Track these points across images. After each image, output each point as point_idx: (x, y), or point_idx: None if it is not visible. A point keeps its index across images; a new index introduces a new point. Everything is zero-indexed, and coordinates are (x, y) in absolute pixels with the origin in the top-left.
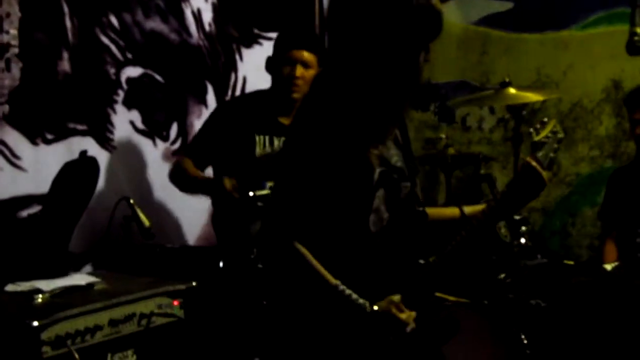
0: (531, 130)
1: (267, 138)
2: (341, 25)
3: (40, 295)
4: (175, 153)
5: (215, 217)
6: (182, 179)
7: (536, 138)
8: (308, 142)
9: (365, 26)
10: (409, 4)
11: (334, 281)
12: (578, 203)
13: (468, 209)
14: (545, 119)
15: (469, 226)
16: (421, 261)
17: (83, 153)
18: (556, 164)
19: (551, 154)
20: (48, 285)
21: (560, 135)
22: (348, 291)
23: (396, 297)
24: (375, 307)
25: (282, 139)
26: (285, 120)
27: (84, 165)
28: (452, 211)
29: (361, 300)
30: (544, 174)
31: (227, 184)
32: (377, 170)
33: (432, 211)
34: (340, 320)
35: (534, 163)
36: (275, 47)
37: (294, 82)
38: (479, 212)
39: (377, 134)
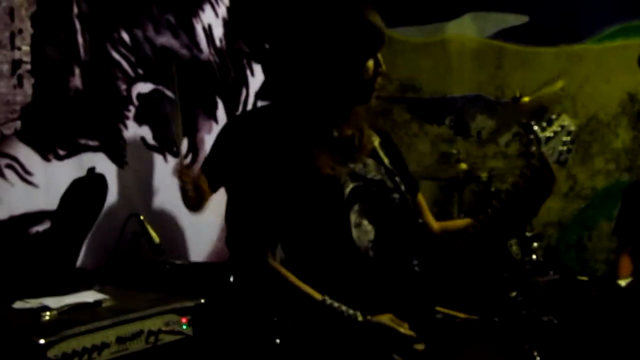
0: (535, 127)
1: None
2: (286, 35)
3: (48, 313)
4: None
5: (230, 237)
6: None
7: (542, 134)
8: (263, 154)
9: (309, 36)
10: (352, 19)
11: (319, 296)
12: (594, 217)
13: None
14: (553, 116)
15: (466, 235)
16: (417, 269)
17: (91, 170)
18: (567, 169)
19: (560, 147)
20: (56, 302)
21: (571, 127)
22: (336, 304)
23: (386, 316)
24: (368, 317)
25: None
26: None
27: (92, 182)
28: (465, 223)
29: (351, 311)
30: (549, 169)
31: None
32: (350, 186)
33: (444, 223)
34: (334, 333)
35: (533, 161)
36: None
37: None
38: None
39: (328, 142)
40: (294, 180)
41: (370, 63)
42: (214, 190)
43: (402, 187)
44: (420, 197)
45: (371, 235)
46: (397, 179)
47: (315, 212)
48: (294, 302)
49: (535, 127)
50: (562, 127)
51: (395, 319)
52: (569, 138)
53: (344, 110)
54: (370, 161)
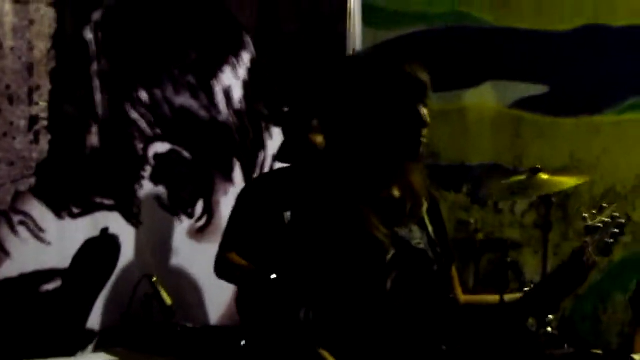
0: (585, 215)
1: None
2: (334, 92)
3: None
4: (200, 230)
5: (240, 298)
6: (232, 273)
7: (590, 222)
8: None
9: (356, 93)
10: (397, 72)
11: None
12: (610, 289)
13: (508, 297)
14: (605, 205)
15: (499, 312)
16: (444, 347)
17: (104, 230)
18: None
19: (607, 239)
20: None
21: (621, 220)
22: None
23: None
24: None
25: None
26: None
27: (105, 242)
28: (494, 299)
29: None
30: (593, 259)
31: None
32: (392, 252)
33: (472, 298)
34: None
35: (576, 248)
36: (295, 120)
37: None
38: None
39: (376, 202)
40: (336, 238)
41: (421, 109)
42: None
43: (442, 259)
44: (454, 269)
45: (399, 307)
46: (438, 249)
47: (354, 273)
48: None
49: (585, 215)
50: (612, 218)
51: None
52: (617, 230)
53: (393, 167)
54: (415, 227)
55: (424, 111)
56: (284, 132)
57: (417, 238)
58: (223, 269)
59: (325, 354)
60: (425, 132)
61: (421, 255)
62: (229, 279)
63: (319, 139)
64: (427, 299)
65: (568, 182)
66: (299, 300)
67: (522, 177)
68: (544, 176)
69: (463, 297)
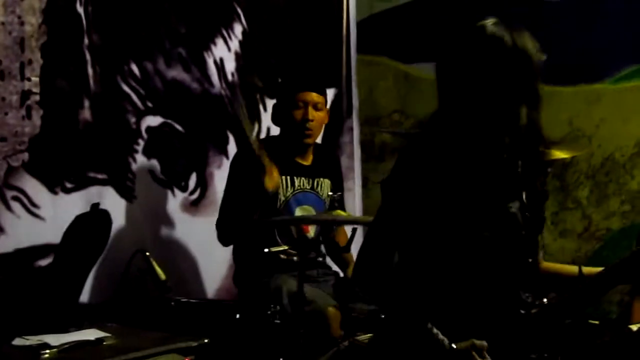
0: None
1: (288, 178)
2: (448, 67)
3: (48, 351)
4: (193, 203)
5: (237, 274)
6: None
7: None
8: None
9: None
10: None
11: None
12: (609, 258)
13: (586, 270)
14: None
15: (576, 288)
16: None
17: (95, 205)
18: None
19: None
20: (57, 339)
21: None
22: (435, 329)
23: (479, 342)
24: (454, 346)
25: (302, 178)
26: (302, 160)
27: (95, 218)
28: (572, 269)
29: (441, 336)
30: None
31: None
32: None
33: (551, 265)
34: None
35: None
36: (283, 91)
37: (307, 125)
38: (592, 275)
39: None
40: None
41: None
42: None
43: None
44: (541, 236)
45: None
46: (528, 214)
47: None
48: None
49: None
50: None
51: (485, 353)
52: None
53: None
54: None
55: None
56: (277, 100)
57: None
58: (227, 235)
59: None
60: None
61: (511, 219)
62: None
63: (298, 114)
64: (510, 262)
65: (560, 154)
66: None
67: None
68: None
69: (544, 264)
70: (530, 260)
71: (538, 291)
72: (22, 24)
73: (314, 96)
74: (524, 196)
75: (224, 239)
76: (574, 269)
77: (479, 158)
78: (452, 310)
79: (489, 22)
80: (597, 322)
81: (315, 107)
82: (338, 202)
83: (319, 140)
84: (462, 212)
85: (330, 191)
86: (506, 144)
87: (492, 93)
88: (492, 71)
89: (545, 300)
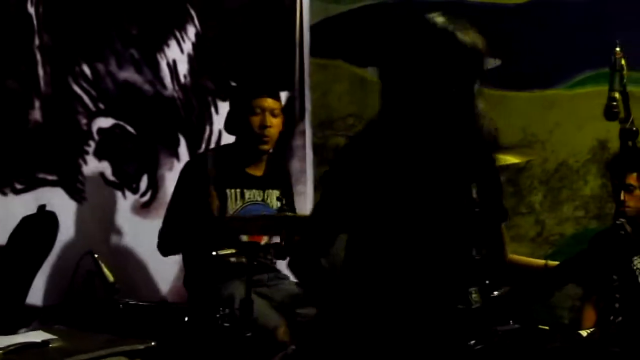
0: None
1: (238, 192)
2: (389, 63)
3: None
4: (144, 206)
5: (187, 277)
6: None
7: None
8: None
9: (410, 62)
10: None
11: None
12: None
13: (552, 264)
14: None
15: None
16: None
17: (41, 207)
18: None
19: None
20: (2, 342)
21: None
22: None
23: None
24: None
25: (253, 190)
26: (253, 171)
27: (42, 219)
28: (538, 262)
29: None
30: None
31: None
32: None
33: (518, 258)
34: None
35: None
36: (238, 97)
37: (265, 132)
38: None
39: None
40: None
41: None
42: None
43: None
44: (503, 227)
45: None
46: (479, 208)
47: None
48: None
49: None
50: None
51: None
52: None
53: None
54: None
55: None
56: (231, 106)
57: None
58: (168, 245)
59: None
60: None
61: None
62: (176, 253)
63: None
64: (450, 257)
65: (513, 159)
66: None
67: None
68: None
69: (511, 257)
70: (476, 254)
71: (489, 285)
72: None
73: (271, 102)
74: (474, 191)
75: (163, 249)
76: (540, 262)
77: (421, 152)
78: (387, 305)
79: (434, 15)
80: (547, 328)
81: (272, 114)
82: (287, 205)
83: None
84: (395, 206)
85: (277, 199)
86: (450, 137)
87: (437, 85)
88: (436, 63)
89: (495, 293)
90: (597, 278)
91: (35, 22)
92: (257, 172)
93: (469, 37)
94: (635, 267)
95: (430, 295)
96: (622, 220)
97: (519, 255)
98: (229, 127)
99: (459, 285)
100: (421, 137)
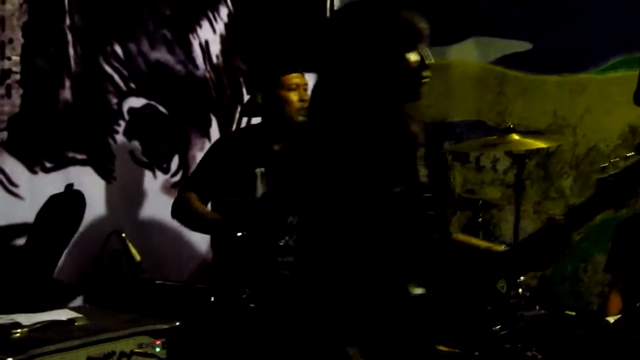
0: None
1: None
2: (330, 36)
3: (19, 330)
4: (175, 185)
5: (215, 259)
6: (186, 215)
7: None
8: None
9: (352, 36)
10: (393, 18)
11: None
12: (589, 249)
13: (497, 248)
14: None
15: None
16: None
17: (69, 186)
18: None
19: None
20: (28, 319)
21: None
22: None
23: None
24: None
25: None
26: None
27: (69, 198)
28: (481, 243)
29: None
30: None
31: None
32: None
33: (462, 237)
34: None
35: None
36: (270, 75)
37: (305, 106)
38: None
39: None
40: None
41: (411, 56)
42: (206, 203)
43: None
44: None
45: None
46: (428, 193)
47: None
48: None
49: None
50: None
51: None
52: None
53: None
54: (421, 163)
55: (423, 54)
56: (259, 85)
57: (423, 174)
58: (179, 210)
59: None
60: (426, 72)
61: (424, 190)
62: (182, 221)
63: (294, 96)
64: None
65: (543, 143)
66: None
67: (494, 138)
68: (515, 136)
69: (455, 236)
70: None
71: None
72: (3, 2)
73: (304, 78)
74: (420, 175)
75: (175, 211)
76: (483, 243)
77: (359, 137)
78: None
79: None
80: (573, 314)
81: (305, 89)
82: None
83: None
84: (338, 193)
85: None
86: (385, 124)
87: (375, 64)
88: (375, 42)
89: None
90: (623, 265)
91: (66, 1)
92: None
93: (410, 15)
94: None
95: (382, 277)
96: None
97: (462, 235)
98: (252, 108)
99: (412, 268)
100: (362, 118)
